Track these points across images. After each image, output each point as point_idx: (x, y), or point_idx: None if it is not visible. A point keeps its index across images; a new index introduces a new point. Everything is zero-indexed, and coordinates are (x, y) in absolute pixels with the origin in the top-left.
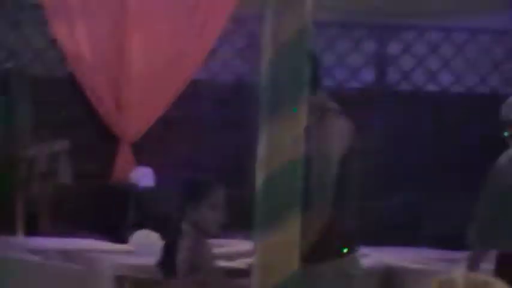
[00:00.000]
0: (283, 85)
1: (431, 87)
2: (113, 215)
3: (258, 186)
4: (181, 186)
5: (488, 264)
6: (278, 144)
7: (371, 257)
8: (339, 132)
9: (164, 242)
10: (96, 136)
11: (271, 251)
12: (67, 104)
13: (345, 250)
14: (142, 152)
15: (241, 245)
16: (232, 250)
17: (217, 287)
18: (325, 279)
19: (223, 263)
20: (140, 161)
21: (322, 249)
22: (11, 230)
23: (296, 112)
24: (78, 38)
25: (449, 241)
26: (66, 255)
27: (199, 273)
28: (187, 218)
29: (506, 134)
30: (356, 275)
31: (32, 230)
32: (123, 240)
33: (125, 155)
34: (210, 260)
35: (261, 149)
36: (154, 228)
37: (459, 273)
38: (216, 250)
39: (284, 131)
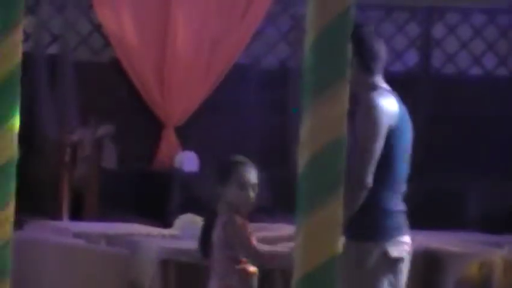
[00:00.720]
0: (325, 67)
1: (475, 71)
2: (157, 199)
3: (301, 167)
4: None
5: None
6: (320, 125)
7: (413, 240)
8: (381, 110)
9: (203, 223)
10: (140, 120)
11: (314, 231)
12: (112, 88)
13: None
14: (186, 136)
15: (283, 229)
16: (274, 234)
17: (255, 264)
18: (369, 260)
19: (265, 247)
20: (185, 146)
21: (367, 229)
22: (56, 214)
23: (338, 92)
24: (122, 22)
25: (493, 225)
26: (111, 239)
27: (234, 250)
28: (221, 198)
29: None
30: (399, 258)
31: (76, 214)
32: (167, 224)
33: (169, 139)
34: (245, 238)
35: (304, 130)
36: (199, 213)
37: (498, 255)
38: (258, 234)
39: (326, 112)
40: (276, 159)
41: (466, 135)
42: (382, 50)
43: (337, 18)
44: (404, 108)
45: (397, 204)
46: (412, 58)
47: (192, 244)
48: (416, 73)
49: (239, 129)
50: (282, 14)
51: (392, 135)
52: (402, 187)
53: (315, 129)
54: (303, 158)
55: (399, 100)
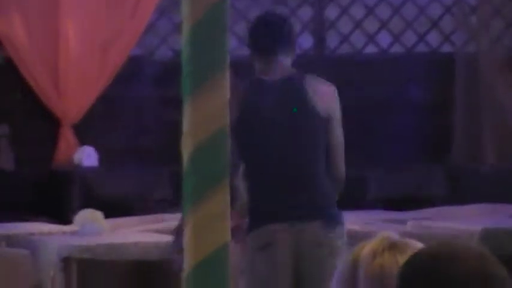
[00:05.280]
0: (203, 58)
1: (370, 49)
2: (58, 198)
3: (185, 159)
4: None
5: None
6: (202, 117)
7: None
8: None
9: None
10: (37, 120)
11: (201, 223)
12: (6, 89)
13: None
14: (84, 133)
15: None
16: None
17: None
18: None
19: (167, 238)
20: (83, 142)
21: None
22: None
23: (218, 83)
24: (13, 24)
25: (394, 204)
26: (11, 240)
27: None
28: None
29: None
30: (266, 245)
31: None
32: (68, 221)
33: (66, 137)
34: None
35: (186, 123)
36: (100, 208)
37: (382, 235)
38: (161, 224)
39: (207, 104)
40: (175, 151)
41: (364, 117)
42: (264, 34)
43: (213, 8)
44: (271, 96)
45: (259, 196)
46: (307, 41)
47: (92, 240)
48: (312, 56)
49: (137, 122)
50: (173, 5)
51: (238, 126)
52: (269, 177)
53: (197, 121)
54: (186, 150)
55: (275, 87)
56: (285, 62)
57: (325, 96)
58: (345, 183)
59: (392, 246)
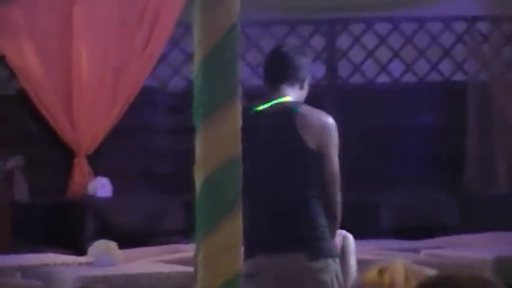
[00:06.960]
0: (215, 86)
1: (382, 79)
2: (72, 228)
3: (197, 188)
4: None
5: None
6: (214, 145)
7: None
8: None
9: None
10: (51, 151)
11: (214, 252)
12: (20, 120)
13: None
14: (98, 163)
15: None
16: (190, 255)
17: None
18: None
19: (181, 268)
20: (97, 173)
21: None
22: None
23: (230, 111)
24: (26, 54)
25: (408, 232)
26: (26, 271)
27: None
28: None
29: None
30: (250, 275)
31: None
32: (82, 252)
33: (81, 167)
34: None
35: (198, 151)
36: (114, 238)
37: (400, 261)
38: (175, 255)
39: (219, 132)
40: (188, 181)
41: (376, 145)
42: (271, 64)
43: (224, 36)
44: (264, 126)
45: (251, 225)
46: (319, 70)
47: (106, 270)
48: (324, 85)
49: (150, 152)
50: (185, 36)
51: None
52: (258, 207)
53: (209, 149)
54: (199, 178)
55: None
56: (289, 92)
57: (315, 130)
58: (341, 217)
59: (411, 274)
